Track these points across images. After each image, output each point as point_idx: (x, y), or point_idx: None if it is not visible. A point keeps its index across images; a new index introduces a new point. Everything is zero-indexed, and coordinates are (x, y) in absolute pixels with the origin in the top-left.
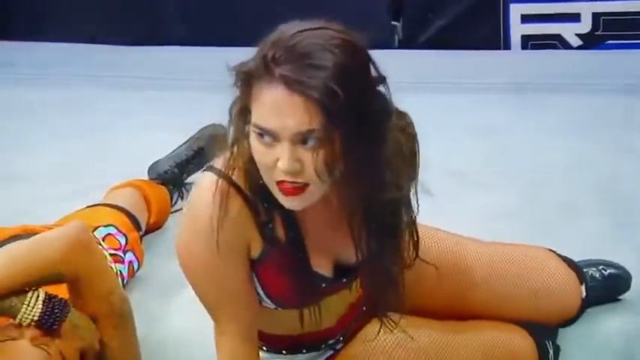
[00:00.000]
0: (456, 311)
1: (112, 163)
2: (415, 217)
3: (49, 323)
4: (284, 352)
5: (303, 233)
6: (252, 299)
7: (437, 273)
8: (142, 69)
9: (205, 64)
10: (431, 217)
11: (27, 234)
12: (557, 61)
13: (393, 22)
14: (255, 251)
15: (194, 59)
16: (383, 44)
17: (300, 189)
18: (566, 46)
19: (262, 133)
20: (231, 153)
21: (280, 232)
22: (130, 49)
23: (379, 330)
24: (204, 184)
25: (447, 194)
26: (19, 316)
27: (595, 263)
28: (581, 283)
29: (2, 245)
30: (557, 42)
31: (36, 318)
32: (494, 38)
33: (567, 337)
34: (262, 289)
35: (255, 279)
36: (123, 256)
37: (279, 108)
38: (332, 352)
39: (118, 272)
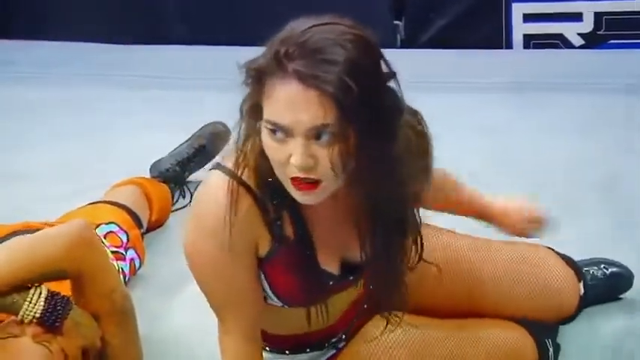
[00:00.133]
0: (456, 310)
1: (112, 162)
2: (421, 220)
3: (51, 320)
4: (287, 352)
5: (311, 231)
6: (258, 298)
7: (439, 272)
8: (143, 68)
9: (206, 64)
10: (431, 215)
11: (28, 230)
12: (559, 61)
13: (395, 22)
14: (263, 249)
15: (194, 59)
16: (385, 44)
17: (313, 185)
18: (568, 45)
19: (275, 129)
20: (242, 151)
21: (289, 230)
22: (130, 48)
23: (384, 328)
24: (212, 181)
25: None
26: (20, 313)
27: (597, 262)
28: (580, 281)
29: (3, 241)
30: (559, 41)
31: (38, 315)
32: (497, 38)
33: (568, 336)
34: (270, 287)
35: (263, 277)
36: (124, 253)
37: (293, 103)
38: (334, 351)
39: (120, 270)
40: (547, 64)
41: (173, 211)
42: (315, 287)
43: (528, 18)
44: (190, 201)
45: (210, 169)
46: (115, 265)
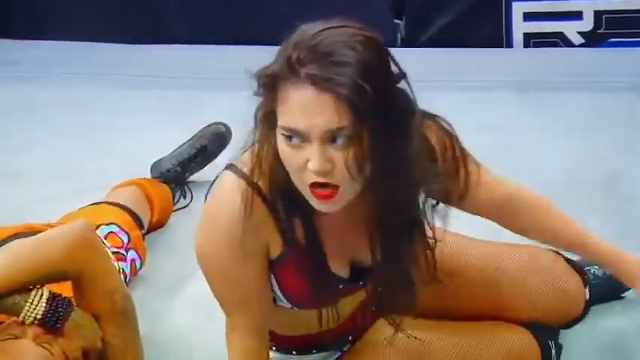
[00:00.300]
0: (460, 312)
1: (112, 162)
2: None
3: (52, 322)
4: (294, 352)
5: (322, 236)
6: (267, 298)
7: (447, 282)
8: (143, 68)
9: (206, 64)
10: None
11: (30, 232)
12: (559, 60)
13: (396, 21)
14: (275, 252)
15: (194, 58)
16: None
17: (331, 193)
18: (568, 44)
19: (291, 135)
20: (257, 157)
21: (300, 235)
22: (130, 48)
23: (394, 333)
24: (227, 183)
25: None
26: (22, 314)
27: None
28: (585, 286)
29: (5, 243)
30: (559, 40)
31: (39, 316)
32: (497, 36)
33: (569, 336)
34: (280, 289)
35: (273, 279)
36: (125, 254)
37: (307, 108)
38: (340, 353)
39: (121, 270)
40: (547, 62)
41: (174, 211)
42: (325, 290)
43: (528, 17)
44: (191, 201)
45: (225, 169)
46: (116, 265)
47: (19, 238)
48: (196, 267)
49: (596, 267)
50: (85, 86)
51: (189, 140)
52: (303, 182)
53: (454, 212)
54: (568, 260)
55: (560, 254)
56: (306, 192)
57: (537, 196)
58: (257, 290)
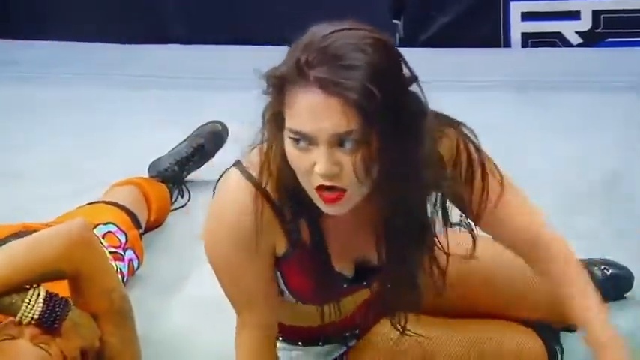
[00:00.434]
0: (465, 310)
1: (112, 162)
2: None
3: (50, 321)
4: (300, 343)
5: (327, 237)
6: (273, 294)
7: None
8: (143, 68)
9: (205, 64)
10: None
11: (27, 231)
12: (557, 59)
13: (394, 21)
14: (280, 250)
15: (194, 58)
16: None
17: (338, 196)
18: (566, 44)
19: (298, 138)
20: (265, 160)
21: (305, 235)
22: (130, 48)
23: (401, 331)
24: (231, 182)
25: None
26: (19, 314)
27: (597, 262)
28: None
29: (4, 243)
30: (557, 40)
31: (36, 316)
32: (495, 36)
33: (569, 336)
34: (285, 284)
35: (279, 274)
36: (123, 253)
37: (315, 112)
38: (346, 347)
39: (118, 270)
40: (545, 62)
41: (172, 210)
42: (329, 289)
43: (526, 16)
44: (188, 200)
45: (231, 167)
46: (114, 265)
47: (18, 237)
48: (194, 267)
49: (595, 268)
50: (85, 86)
51: (186, 139)
52: (310, 184)
53: (452, 210)
54: None
55: None
56: (314, 194)
57: (567, 251)
58: (264, 288)
